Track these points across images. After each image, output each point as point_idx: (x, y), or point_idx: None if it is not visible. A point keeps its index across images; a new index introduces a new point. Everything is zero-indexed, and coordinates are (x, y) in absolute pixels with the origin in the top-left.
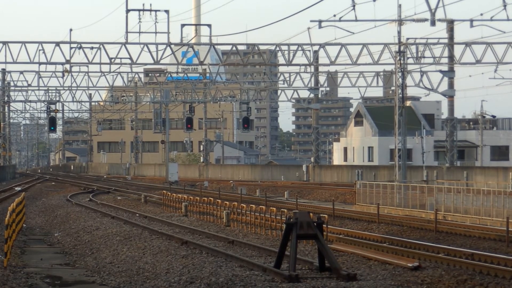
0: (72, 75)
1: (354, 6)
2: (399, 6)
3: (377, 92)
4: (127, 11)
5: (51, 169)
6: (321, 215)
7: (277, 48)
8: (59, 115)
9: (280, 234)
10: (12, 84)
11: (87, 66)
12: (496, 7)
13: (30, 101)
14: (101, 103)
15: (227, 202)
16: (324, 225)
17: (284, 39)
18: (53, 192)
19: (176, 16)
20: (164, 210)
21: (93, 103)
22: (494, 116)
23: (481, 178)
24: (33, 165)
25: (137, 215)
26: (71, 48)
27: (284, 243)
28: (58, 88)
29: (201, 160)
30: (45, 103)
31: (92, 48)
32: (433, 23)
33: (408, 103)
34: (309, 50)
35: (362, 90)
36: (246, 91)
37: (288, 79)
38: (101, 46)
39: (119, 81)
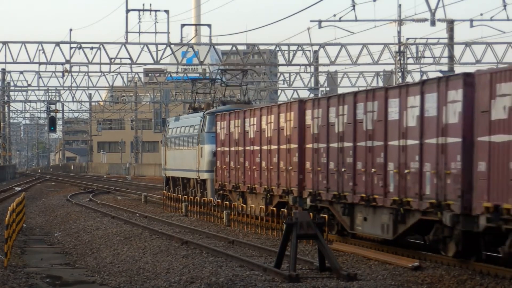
0: (72, 75)
1: (354, 6)
2: (399, 6)
3: None
4: (127, 11)
5: (51, 169)
6: (321, 215)
7: (277, 48)
8: (59, 115)
9: (280, 234)
10: (12, 84)
11: (87, 66)
12: (496, 7)
13: (30, 101)
14: (101, 103)
15: (227, 202)
16: (324, 225)
17: (284, 39)
18: (53, 192)
19: (176, 16)
20: (164, 210)
21: (93, 103)
22: None
23: None
24: (33, 165)
25: (137, 215)
26: (71, 48)
27: (284, 243)
28: (58, 88)
29: None
30: (45, 103)
31: (92, 48)
32: (433, 23)
33: None
34: (309, 50)
35: None
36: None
37: (288, 79)
38: (101, 46)
39: (119, 81)
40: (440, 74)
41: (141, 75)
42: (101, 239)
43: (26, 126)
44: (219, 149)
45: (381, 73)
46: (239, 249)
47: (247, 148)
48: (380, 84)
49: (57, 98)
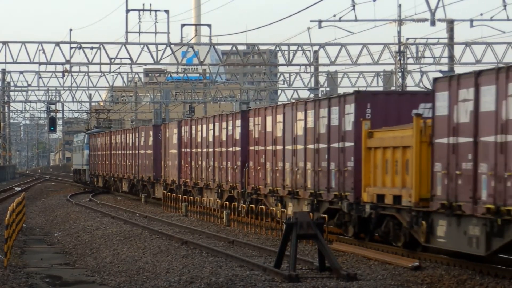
0: (72, 75)
1: (354, 6)
2: (399, 6)
3: None
4: (127, 11)
5: (51, 169)
6: (321, 215)
7: (277, 48)
8: (59, 115)
9: (280, 234)
10: (12, 84)
11: (87, 66)
12: (496, 7)
13: (30, 101)
14: (101, 103)
15: (227, 202)
16: (324, 225)
17: (284, 39)
18: (53, 192)
19: (176, 16)
20: (164, 210)
21: (93, 103)
22: None
23: None
24: (33, 165)
25: (137, 215)
26: (71, 48)
27: (284, 243)
28: (58, 88)
29: None
30: (45, 103)
31: (92, 48)
32: (433, 23)
33: None
34: (309, 50)
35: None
36: (246, 91)
37: (288, 79)
38: (101, 46)
39: (119, 81)
40: (440, 74)
41: (141, 75)
42: (101, 239)
43: (26, 126)
44: (91, 153)
45: (381, 73)
46: (239, 249)
47: (104, 152)
48: (380, 84)
49: (57, 98)
